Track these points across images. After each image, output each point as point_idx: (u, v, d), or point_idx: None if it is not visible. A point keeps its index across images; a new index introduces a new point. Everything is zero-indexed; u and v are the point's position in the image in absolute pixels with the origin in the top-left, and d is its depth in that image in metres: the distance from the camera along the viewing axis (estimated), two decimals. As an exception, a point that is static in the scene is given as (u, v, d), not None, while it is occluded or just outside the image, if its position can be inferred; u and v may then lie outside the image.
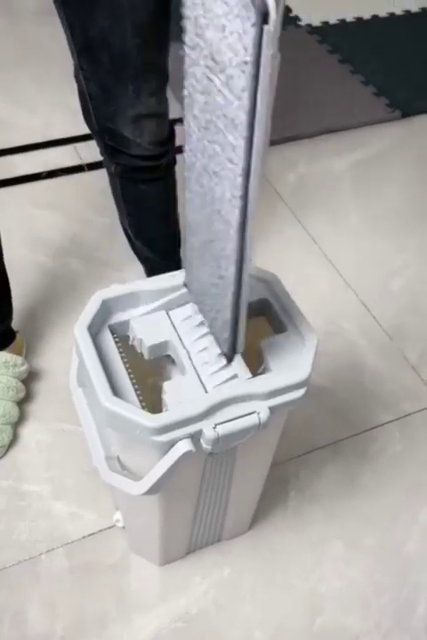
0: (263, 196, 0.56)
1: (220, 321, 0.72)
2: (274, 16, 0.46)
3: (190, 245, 0.74)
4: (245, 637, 0.92)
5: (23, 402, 1.16)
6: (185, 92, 0.62)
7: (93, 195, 1.56)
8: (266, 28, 0.47)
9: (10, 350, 1.15)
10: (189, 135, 0.64)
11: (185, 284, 0.79)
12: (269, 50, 0.48)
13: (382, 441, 1.14)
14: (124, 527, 1.00)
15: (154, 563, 0.98)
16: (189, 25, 0.58)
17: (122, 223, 1.20)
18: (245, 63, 0.50)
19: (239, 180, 0.56)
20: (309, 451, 1.12)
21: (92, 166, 1.64)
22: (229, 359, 0.74)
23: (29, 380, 1.19)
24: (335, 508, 1.06)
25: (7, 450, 1.10)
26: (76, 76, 1.00)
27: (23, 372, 1.16)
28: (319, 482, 1.09)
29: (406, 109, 1.83)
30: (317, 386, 1.22)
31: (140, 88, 0.94)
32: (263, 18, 0.46)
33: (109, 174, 1.12)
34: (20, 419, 1.14)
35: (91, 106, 1.00)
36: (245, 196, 0.56)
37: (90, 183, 1.61)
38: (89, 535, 1.01)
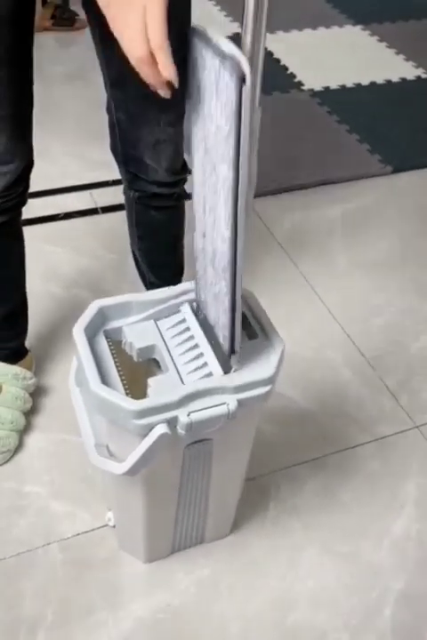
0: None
1: (221, 325, 0.85)
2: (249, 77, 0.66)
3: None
4: (221, 629, 0.99)
5: (30, 413, 1.26)
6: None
7: (105, 234, 1.71)
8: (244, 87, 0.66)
9: (21, 365, 1.27)
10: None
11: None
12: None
13: (361, 459, 1.22)
14: (114, 526, 1.08)
15: (140, 560, 1.06)
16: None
17: (132, 247, 1.32)
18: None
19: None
20: (290, 465, 1.20)
21: (106, 209, 1.79)
22: (232, 352, 0.84)
23: (36, 394, 1.30)
24: (313, 518, 1.13)
25: (13, 454, 1.20)
26: (108, 109, 1.13)
27: (31, 385, 1.27)
28: (299, 494, 1.16)
29: (397, 165, 1.96)
30: (302, 408, 1.31)
31: (160, 117, 1.07)
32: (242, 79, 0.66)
33: (127, 201, 1.25)
34: (26, 428, 1.24)
35: (118, 133, 1.13)
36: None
37: (102, 224, 1.75)
38: (82, 533, 1.09)
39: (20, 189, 1.10)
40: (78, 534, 1.09)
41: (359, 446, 1.24)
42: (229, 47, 0.68)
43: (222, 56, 0.68)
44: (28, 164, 1.11)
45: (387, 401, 1.32)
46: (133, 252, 1.33)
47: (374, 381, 1.36)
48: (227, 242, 0.76)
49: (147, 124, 1.07)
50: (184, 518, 1.01)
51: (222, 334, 0.85)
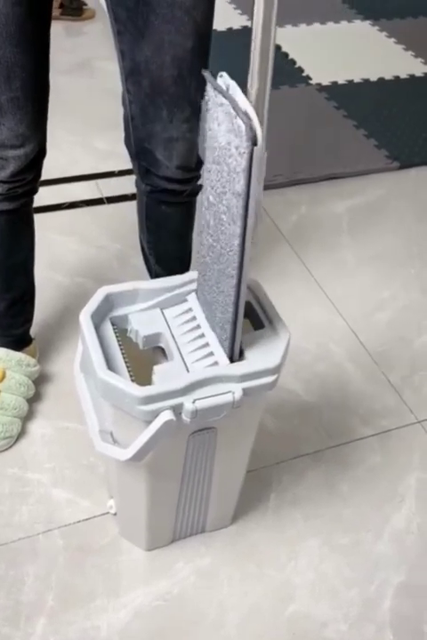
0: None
1: (222, 330, 0.88)
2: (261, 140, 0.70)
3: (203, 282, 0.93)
4: (220, 617, 0.99)
5: (33, 400, 1.26)
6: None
7: (109, 224, 1.70)
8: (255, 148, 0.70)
9: (25, 352, 1.27)
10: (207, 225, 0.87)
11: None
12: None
13: (362, 452, 1.22)
14: (115, 514, 1.09)
15: (141, 547, 1.06)
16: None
17: (140, 239, 1.32)
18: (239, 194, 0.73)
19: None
20: (292, 457, 1.20)
21: (112, 200, 1.79)
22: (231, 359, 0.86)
23: (40, 382, 1.30)
24: (313, 510, 1.13)
25: (15, 441, 1.20)
26: (123, 102, 1.13)
27: (35, 372, 1.27)
28: (300, 486, 1.16)
29: (403, 161, 1.96)
30: (304, 401, 1.31)
31: (173, 114, 1.06)
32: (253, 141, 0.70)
33: (139, 193, 1.24)
34: (29, 415, 1.24)
35: (131, 127, 1.12)
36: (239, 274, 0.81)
37: (107, 214, 1.75)
38: (83, 520, 1.10)
39: (29, 177, 1.10)
40: (79, 521, 1.10)
41: (361, 440, 1.24)
42: (242, 106, 0.72)
43: (236, 110, 0.71)
44: (40, 152, 1.10)
45: (390, 396, 1.32)
46: (141, 243, 1.33)
47: (377, 376, 1.36)
48: (234, 278, 0.81)
49: (159, 120, 1.06)
50: (186, 506, 1.01)
51: (222, 340, 0.86)
